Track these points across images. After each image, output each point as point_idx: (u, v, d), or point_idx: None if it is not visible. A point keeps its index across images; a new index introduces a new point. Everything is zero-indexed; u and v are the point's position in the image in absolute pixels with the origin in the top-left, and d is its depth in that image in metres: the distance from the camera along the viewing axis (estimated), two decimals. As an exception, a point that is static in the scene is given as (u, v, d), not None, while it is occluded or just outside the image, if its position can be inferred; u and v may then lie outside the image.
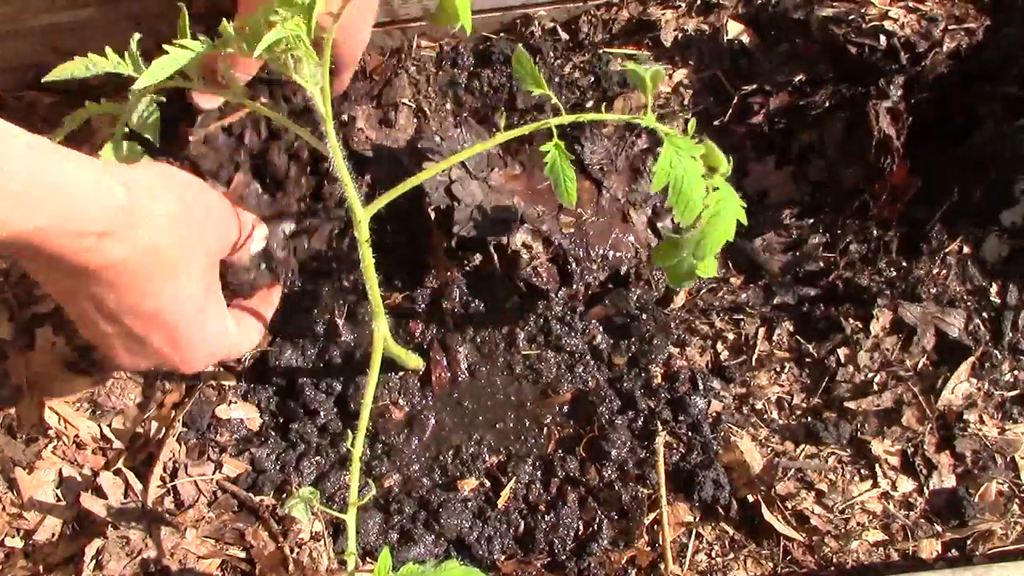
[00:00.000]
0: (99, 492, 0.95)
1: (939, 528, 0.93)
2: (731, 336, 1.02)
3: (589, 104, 1.11)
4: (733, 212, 0.76)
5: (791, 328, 1.02)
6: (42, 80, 0.77)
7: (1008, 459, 0.95)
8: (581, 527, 0.93)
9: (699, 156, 0.73)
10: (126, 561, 0.91)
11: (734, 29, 1.12)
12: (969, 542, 0.92)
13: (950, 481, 0.95)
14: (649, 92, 0.74)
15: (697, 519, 0.94)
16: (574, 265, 1.00)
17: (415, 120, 1.11)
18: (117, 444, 0.98)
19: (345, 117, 1.06)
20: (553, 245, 1.00)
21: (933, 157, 1.02)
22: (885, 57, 1.11)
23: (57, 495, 0.97)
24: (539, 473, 0.96)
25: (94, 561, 0.91)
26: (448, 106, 1.14)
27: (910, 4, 1.15)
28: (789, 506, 0.94)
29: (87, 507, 0.94)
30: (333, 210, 1.01)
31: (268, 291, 0.95)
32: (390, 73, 1.12)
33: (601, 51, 1.17)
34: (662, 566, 0.90)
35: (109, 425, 0.99)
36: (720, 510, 0.93)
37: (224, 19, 0.69)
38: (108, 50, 0.78)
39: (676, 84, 1.12)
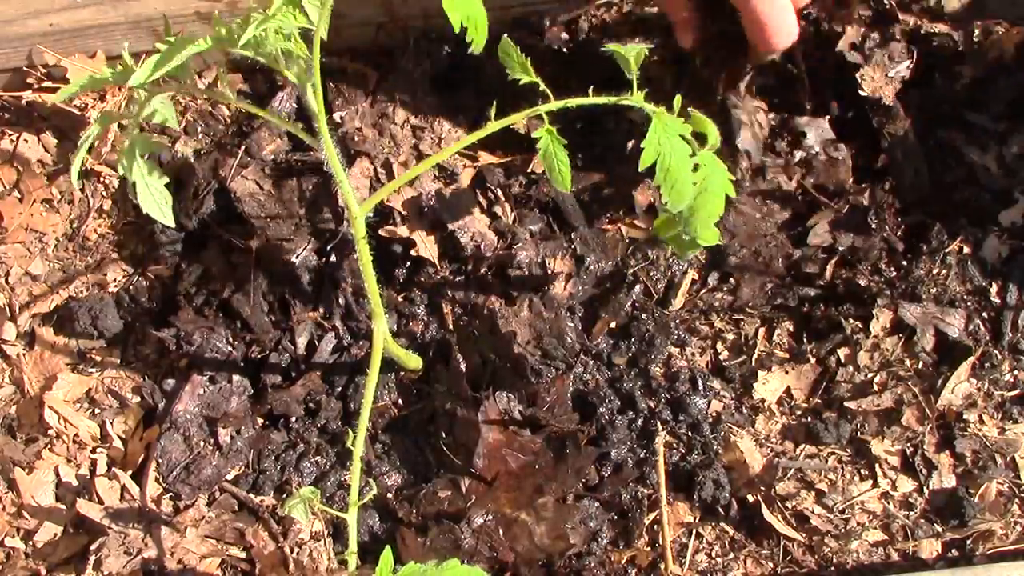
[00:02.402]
0: (98, 492, 0.95)
1: (939, 528, 0.93)
2: (731, 336, 1.02)
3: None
4: (721, 186, 0.74)
5: (791, 328, 1.02)
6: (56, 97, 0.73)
7: (1008, 459, 0.95)
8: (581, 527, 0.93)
9: (688, 133, 0.72)
10: (126, 560, 0.91)
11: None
12: (969, 542, 0.92)
13: (950, 481, 0.95)
14: (633, 70, 0.73)
15: (697, 519, 0.94)
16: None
17: (413, 117, 1.11)
18: (117, 444, 0.98)
19: (338, 117, 1.06)
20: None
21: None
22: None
23: (56, 495, 0.97)
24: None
25: (94, 559, 0.91)
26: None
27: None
28: (789, 506, 0.94)
29: (86, 507, 0.94)
30: None
31: None
32: (387, 71, 1.12)
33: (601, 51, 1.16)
34: (662, 566, 0.90)
35: (109, 425, 0.99)
36: (720, 510, 0.93)
37: (215, 12, 0.67)
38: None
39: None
